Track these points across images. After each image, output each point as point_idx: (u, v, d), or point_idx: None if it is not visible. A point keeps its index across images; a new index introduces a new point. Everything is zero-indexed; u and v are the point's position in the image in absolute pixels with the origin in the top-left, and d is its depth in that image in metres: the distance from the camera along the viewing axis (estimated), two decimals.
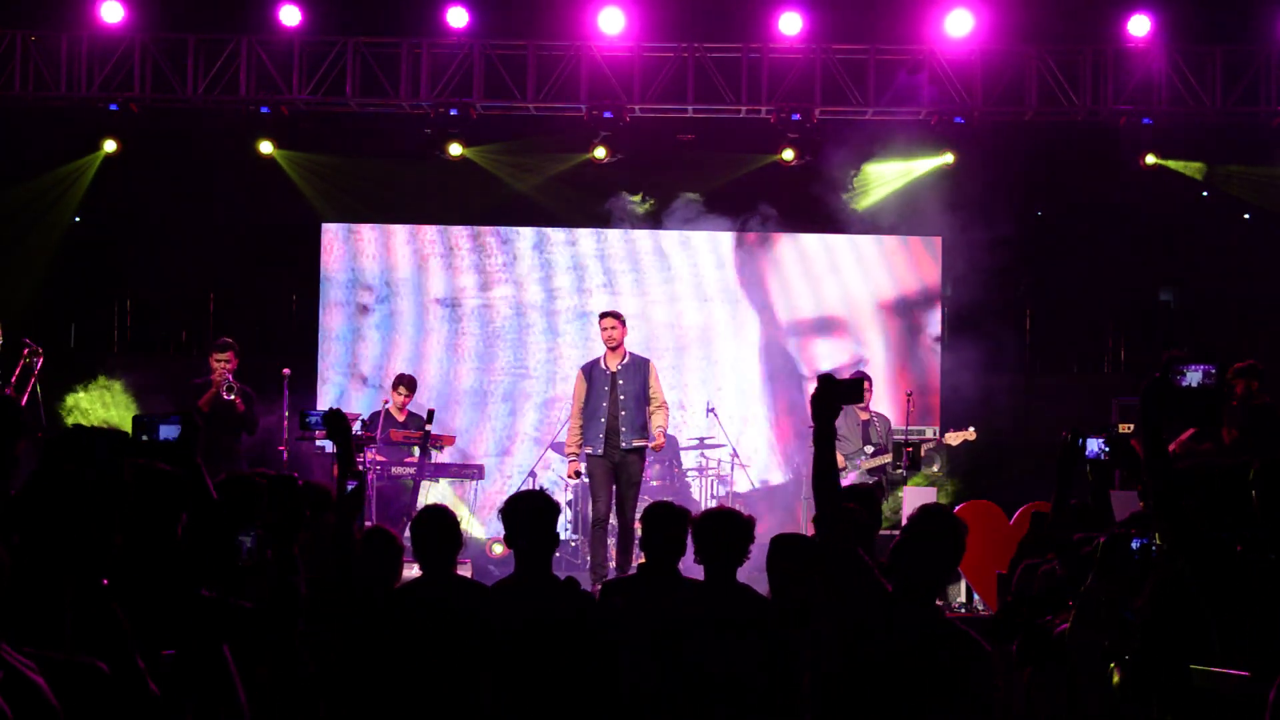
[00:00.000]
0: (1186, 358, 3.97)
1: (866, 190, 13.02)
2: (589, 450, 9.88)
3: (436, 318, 13.46)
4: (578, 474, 10.18)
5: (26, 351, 9.71)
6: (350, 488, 5.33)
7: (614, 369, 9.99)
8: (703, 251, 13.49)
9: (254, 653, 4.70)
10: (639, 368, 10.06)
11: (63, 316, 13.35)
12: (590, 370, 10.12)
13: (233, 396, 10.21)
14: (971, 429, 10.82)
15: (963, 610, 9.61)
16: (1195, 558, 3.85)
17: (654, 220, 13.05)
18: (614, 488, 9.84)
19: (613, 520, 9.91)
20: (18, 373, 9.53)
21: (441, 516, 5.35)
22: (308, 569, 5.01)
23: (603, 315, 10.28)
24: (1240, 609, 3.77)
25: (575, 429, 10.01)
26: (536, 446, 13.04)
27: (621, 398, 9.88)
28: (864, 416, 11.01)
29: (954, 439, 10.70)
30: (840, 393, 4.20)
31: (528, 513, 5.16)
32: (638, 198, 12.95)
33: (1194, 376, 3.93)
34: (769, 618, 5.10)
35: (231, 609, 4.47)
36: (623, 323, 10.12)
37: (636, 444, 9.84)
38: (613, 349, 10.01)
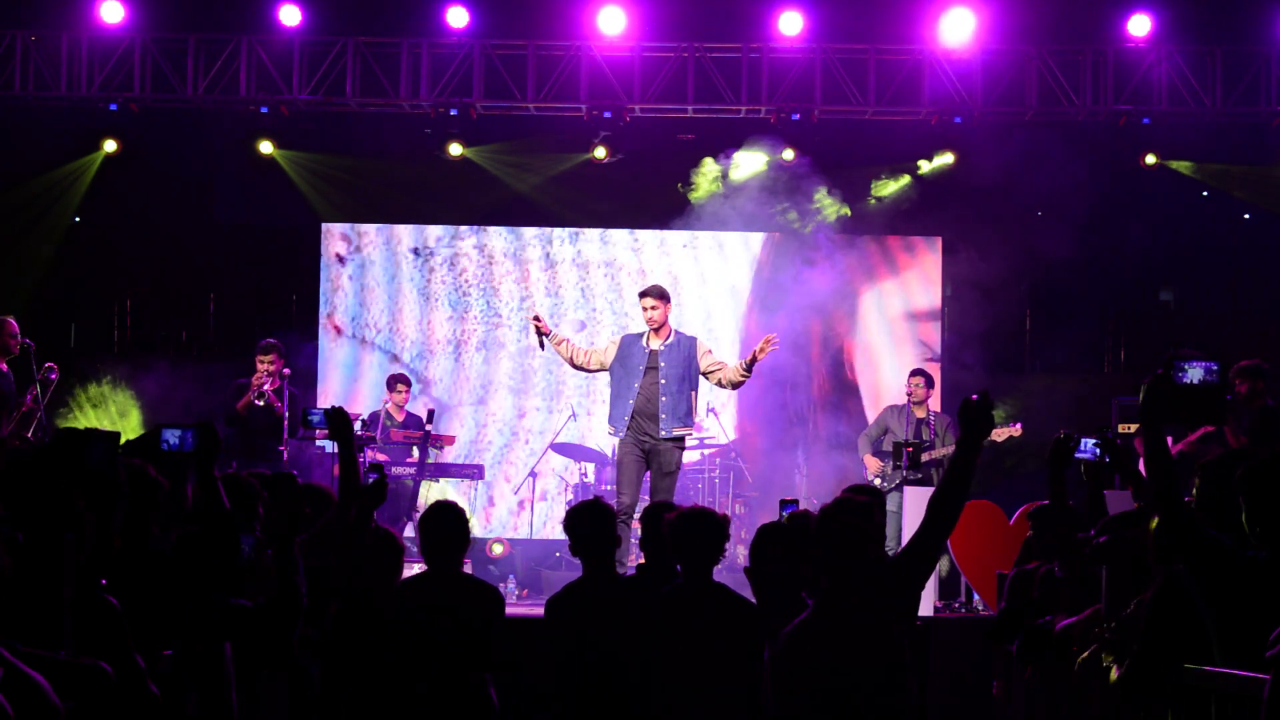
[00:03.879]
0: (1188, 354, 3.91)
1: (864, 190, 13.01)
2: (610, 431, 9.12)
3: (439, 316, 13.44)
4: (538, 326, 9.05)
5: (43, 372, 9.74)
6: (372, 479, 5.36)
7: (656, 348, 9.04)
8: (704, 250, 13.48)
9: (254, 653, 4.70)
10: (684, 346, 9.07)
11: (63, 316, 13.34)
12: (630, 343, 9.14)
13: (263, 403, 10.18)
14: (1018, 425, 10.70)
15: (963, 610, 9.61)
16: (1194, 557, 3.84)
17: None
18: (643, 477, 9.04)
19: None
20: (37, 385, 9.55)
21: (450, 513, 5.36)
22: (313, 564, 5.01)
23: (642, 294, 9.20)
24: (1238, 609, 3.76)
25: (575, 347, 9.23)
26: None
27: (664, 381, 8.94)
28: (919, 414, 10.93)
29: (999, 435, 10.63)
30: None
31: (590, 525, 5.57)
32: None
33: (1195, 373, 3.86)
34: (746, 616, 5.11)
35: (232, 609, 4.47)
36: (666, 300, 9.11)
37: (678, 432, 8.95)
38: (656, 329, 9.06)
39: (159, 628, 4.17)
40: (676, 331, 9.20)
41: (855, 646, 4.12)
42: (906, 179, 12.73)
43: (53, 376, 9.71)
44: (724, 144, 12.62)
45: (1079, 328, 13.61)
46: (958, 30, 11.73)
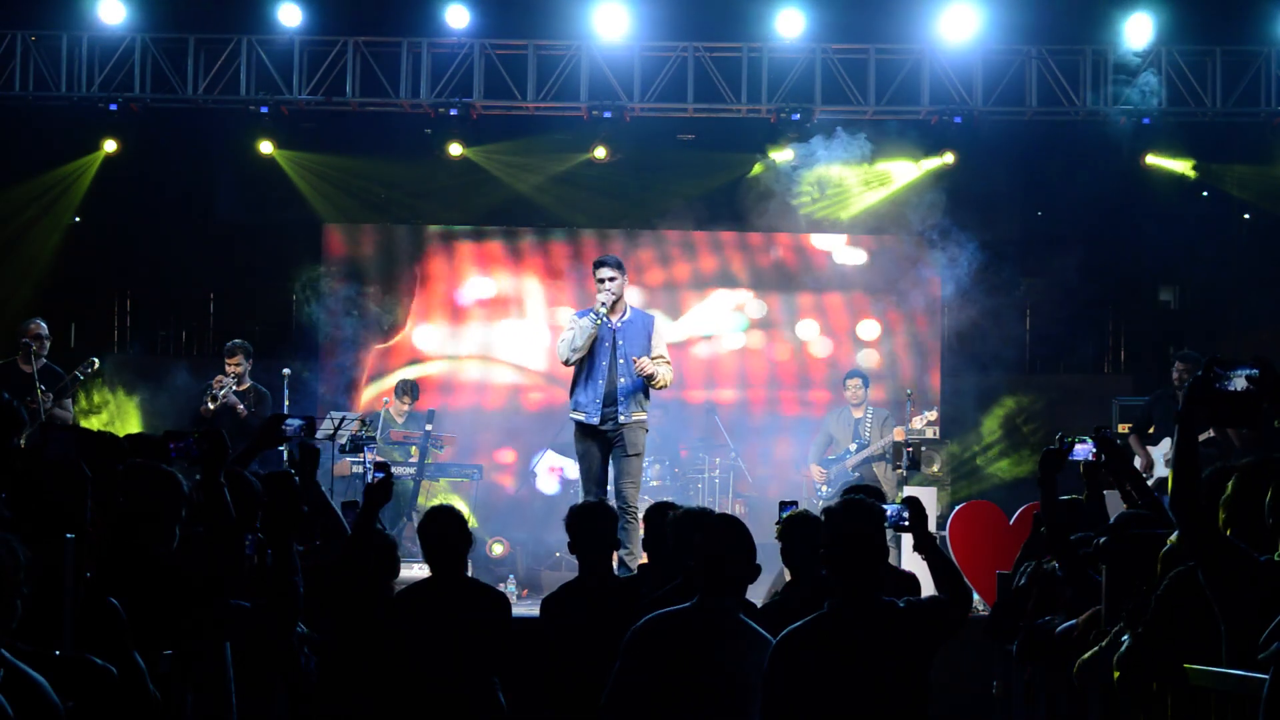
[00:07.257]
0: (1229, 361, 3.89)
1: (867, 190, 13.01)
2: (581, 418, 8.41)
3: (441, 318, 13.44)
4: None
5: (83, 366, 9.78)
6: (378, 478, 5.38)
7: (615, 325, 8.43)
8: (703, 251, 13.48)
9: (254, 653, 4.70)
10: (642, 324, 8.50)
11: (63, 316, 13.32)
12: (590, 322, 8.47)
13: (213, 407, 10.03)
14: (935, 412, 10.88)
15: None
16: (1211, 561, 3.84)
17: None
18: (609, 464, 8.45)
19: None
20: (38, 389, 9.57)
21: (450, 517, 5.35)
22: (312, 565, 5.01)
23: (598, 264, 8.52)
24: (1252, 614, 3.76)
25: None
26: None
27: (621, 361, 8.34)
28: (857, 414, 10.97)
29: (918, 422, 10.67)
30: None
31: (591, 525, 5.57)
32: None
33: (1238, 381, 3.84)
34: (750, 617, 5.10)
35: (232, 609, 4.47)
36: (623, 271, 8.51)
37: (638, 416, 8.40)
38: (612, 304, 8.45)
39: (159, 628, 4.17)
40: (632, 308, 8.64)
41: (867, 650, 4.11)
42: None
43: (94, 367, 9.79)
44: (724, 144, 12.62)
45: (1079, 328, 13.61)
46: (959, 25, 11.72)
